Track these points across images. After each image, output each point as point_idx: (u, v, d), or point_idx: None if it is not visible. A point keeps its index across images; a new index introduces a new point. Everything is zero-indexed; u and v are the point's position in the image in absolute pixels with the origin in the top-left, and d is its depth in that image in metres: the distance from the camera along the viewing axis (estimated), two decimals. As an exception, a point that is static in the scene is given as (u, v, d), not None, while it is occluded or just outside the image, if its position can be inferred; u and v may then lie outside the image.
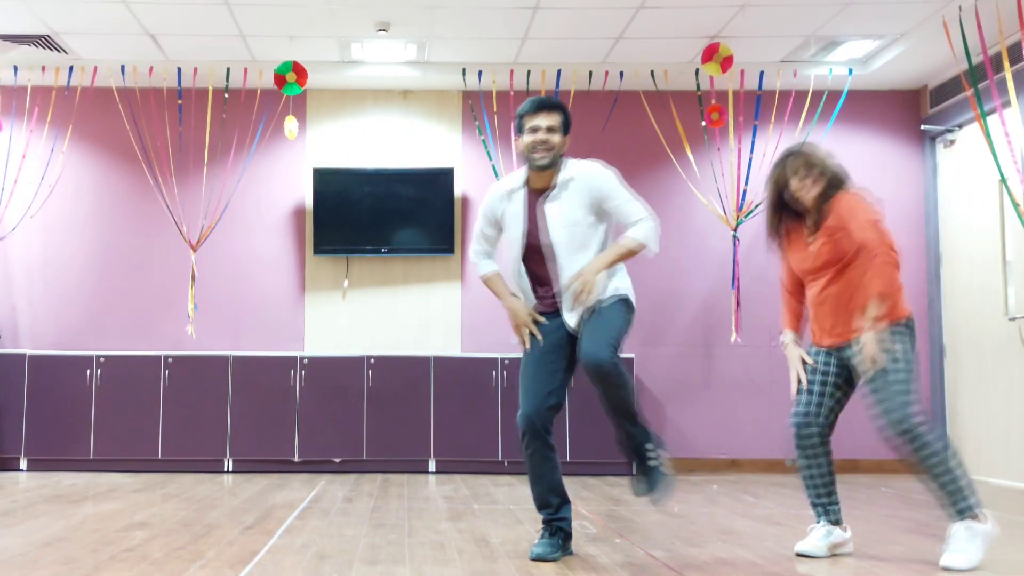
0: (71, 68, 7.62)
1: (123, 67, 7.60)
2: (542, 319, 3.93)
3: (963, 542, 3.70)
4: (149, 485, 6.43)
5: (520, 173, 3.99)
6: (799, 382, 4.02)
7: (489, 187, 4.17)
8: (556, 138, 3.84)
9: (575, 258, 3.84)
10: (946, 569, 3.65)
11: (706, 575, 3.59)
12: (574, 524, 4.76)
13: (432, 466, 7.38)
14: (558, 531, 3.90)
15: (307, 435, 7.38)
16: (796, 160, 3.96)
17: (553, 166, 3.87)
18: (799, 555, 3.93)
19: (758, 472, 7.69)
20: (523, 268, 3.96)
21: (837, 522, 4.00)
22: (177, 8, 6.57)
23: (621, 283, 3.94)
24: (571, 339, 3.90)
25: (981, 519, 3.73)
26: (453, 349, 7.92)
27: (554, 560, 3.81)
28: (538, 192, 3.92)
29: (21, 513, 5.07)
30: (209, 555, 3.85)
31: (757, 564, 3.78)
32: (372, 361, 7.48)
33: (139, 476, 6.99)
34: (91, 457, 7.32)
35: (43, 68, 7.63)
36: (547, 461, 3.86)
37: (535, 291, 3.98)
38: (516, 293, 4.02)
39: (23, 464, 7.34)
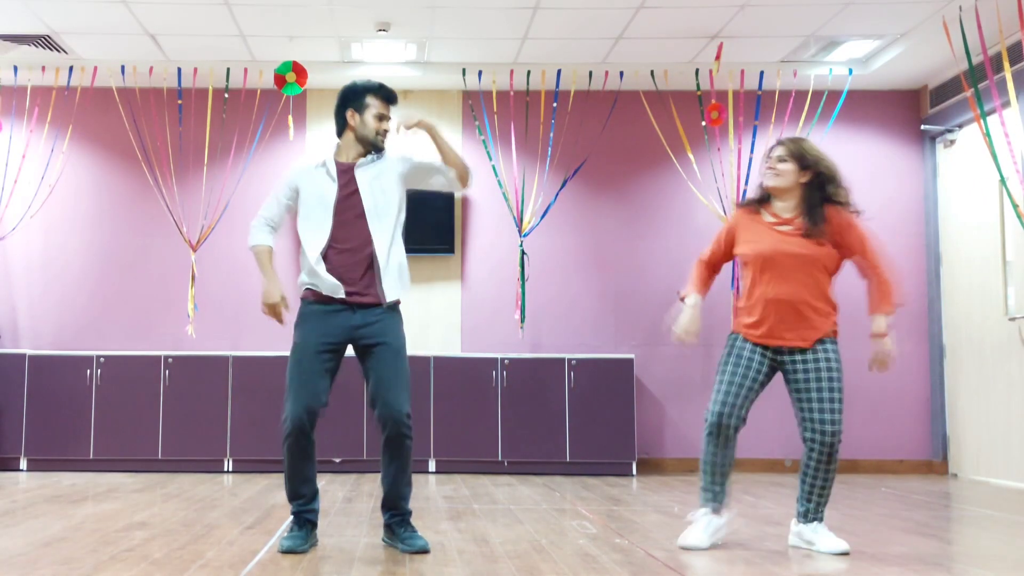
0: (71, 68, 7.62)
1: (123, 67, 7.60)
2: (287, 307, 4.14)
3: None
4: (149, 485, 6.43)
5: (325, 152, 4.25)
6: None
7: (293, 164, 4.29)
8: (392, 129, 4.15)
9: (385, 230, 4.04)
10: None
11: (706, 575, 3.59)
12: (574, 524, 4.78)
13: (432, 466, 7.37)
14: (306, 523, 4.03)
15: (307, 435, 7.36)
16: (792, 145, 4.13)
17: None
18: (683, 548, 4.03)
19: (758, 472, 7.69)
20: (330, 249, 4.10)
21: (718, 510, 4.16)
22: (177, 8, 6.57)
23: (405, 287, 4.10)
24: (347, 344, 4.10)
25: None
26: (453, 349, 7.92)
27: (304, 552, 3.88)
28: (347, 164, 4.16)
29: (21, 513, 5.06)
30: (209, 555, 3.85)
31: (757, 564, 3.78)
32: (372, 361, 7.46)
33: (139, 476, 6.99)
34: (91, 457, 7.32)
35: (43, 68, 7.63)
36: (308, 457, 4.07)
37: (344, 277, 4.08)
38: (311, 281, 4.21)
39: (23, 464, 7.34)
